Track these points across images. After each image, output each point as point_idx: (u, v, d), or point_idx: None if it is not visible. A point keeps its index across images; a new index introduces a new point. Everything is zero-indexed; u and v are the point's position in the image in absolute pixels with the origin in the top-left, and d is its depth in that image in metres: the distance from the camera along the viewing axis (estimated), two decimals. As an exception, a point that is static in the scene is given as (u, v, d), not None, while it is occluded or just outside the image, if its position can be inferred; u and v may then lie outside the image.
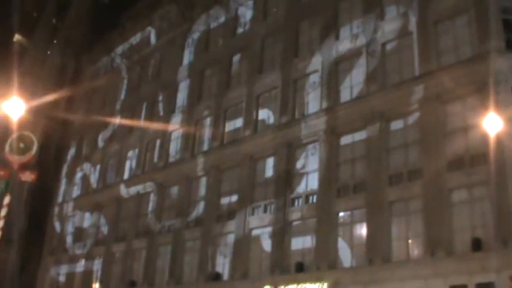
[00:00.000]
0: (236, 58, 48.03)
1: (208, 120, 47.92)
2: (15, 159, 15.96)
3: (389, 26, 36.09)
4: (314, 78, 39.79)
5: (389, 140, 33.85)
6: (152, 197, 50.27)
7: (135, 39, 62.33)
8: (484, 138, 27.18)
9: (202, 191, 45.56)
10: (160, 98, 55.37)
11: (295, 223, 37.12)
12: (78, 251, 58.13)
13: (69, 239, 60.85)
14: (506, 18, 30.69)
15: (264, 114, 42.91)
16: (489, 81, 28.94)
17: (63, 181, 66.50)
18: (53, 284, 59.69)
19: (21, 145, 16.02)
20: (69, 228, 61.77)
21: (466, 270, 27.00)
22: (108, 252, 53.12)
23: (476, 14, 31.54)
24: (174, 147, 51.07)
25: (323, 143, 36.86)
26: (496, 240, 26.62)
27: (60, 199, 65.51)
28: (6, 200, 15.71)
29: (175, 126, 51.13)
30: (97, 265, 54.50)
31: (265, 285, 35.88)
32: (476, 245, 27.36)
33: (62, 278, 59.09)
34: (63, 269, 59.41)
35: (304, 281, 33.83)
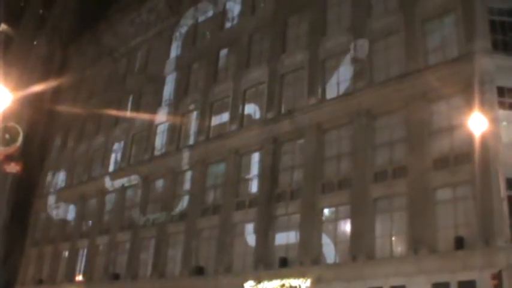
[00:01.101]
0: (223, 52, 47.96)
1: (194, 114, 47.83)
2: (0, 151, 15.84)
3: (377, 24, 36.18)
4: (300, 74, 39.82)
5: (374, 137, 33.97)
6: (137, 190, 50.15)
7: (123, 31, 62.01)
8: (469, 137, 27.37)
9: (187, 185, 45.51)
10: (147, 90, 55.22)
11: (279, 218, 37.18)
12: (61, 243, 57.91)
13: (52, 231, 60.57)
14: (492, 19, 30.90)
15: (251, 109, 42.89)
16: (475, 81, 29.11)
17: (49, 172, 66.13)
18: (35, 277, 59.41)
19: (7, 136, 15.90)
20: (53, 220, 61.47)
21: (449, 268, 27.20)
22: (92, 244, 52.96)
23: (463, 14, 31.70)
24: (159, 140, 50.95)
25: (309, 138, 36.93)
26: (479, 238, 26.85)
27: (44, 191, 65.15)
28: (-10, 191, 15.60)
29: (161, 119, 51.02)
30: (81, 257, 54.37)
31: (248, 279, 35.92)
32: (459, 243, 27.56)
33: (45, 270, 58.83)
34: (47, 262, 59.18)
35: (288, 276, 33.90)
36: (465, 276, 26.45)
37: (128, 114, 55.13)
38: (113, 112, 56.70)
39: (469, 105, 28.49)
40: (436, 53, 32.72)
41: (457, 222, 28.64)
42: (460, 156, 29.19)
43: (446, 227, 28.88)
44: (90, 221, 55.06)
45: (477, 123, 25.74)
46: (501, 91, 29.27)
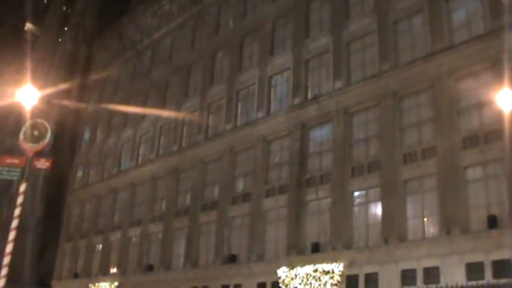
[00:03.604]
0: (247, 40, 47.91)
1: (221, 103, 47.91)
2: (30, 147, 16.05)
3: (401, 3, 35.82)
4: (325, 58, 39.66)
5: (402, 119, 33.72)
6: (167, 181, 50.45)
7: (146, 23, 62.30)
8: (498, 114, 26.89)
9: (217, 174, 45.64)
10: (172, 81, 55.45)
11: (310, 204, 37.17)
12: (94, 237, 58.63)
13: (85, 225, 61.35)
14: (519, -7, 30.36)
15: (277, 95, 42.87)
16: (503, 57, 28.69)
17: (79, 167, 66.95)
18: (71, 271, 60.26)
19: (36, 133, 16.09)
20: (86, 215, 62.27)
21: (482, 248, 26.95)
22: (125, 236, 53.51)
23: (488, -11, 31.24)
24: (187, 130, 51.17)
25: (336, 123, 36.78)
26: (512, 217, 26.55)
27: (76, 185, 65.98)
28: (22, 188, 15.82)
29: (188, 110, 51.18)
30: (114, 250, 54.96)
31: (281, 266, 36.02)
32: (492, 222, 27.25)
33: (79, 264, 59.63)
34: (81, 256, 59.97)
35: (320, 261, 33.92)
36: (499, 255, 26.18)
37: (155, 106, 55.37)
38: (140, 105, 57.10)
39: (497, 81, 28.04)
40: (461, 31, 32.30)
41: (489, 201, 28.34)
42: (490, 134, 28.85)
43: (478, 206, 28.62)
44: (122, 214, 55.58)
45: (506, 99, 25.32)
46: (530, 66, 28.81)
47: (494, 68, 29.17)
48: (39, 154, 16.23)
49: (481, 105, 29.91)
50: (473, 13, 32.24)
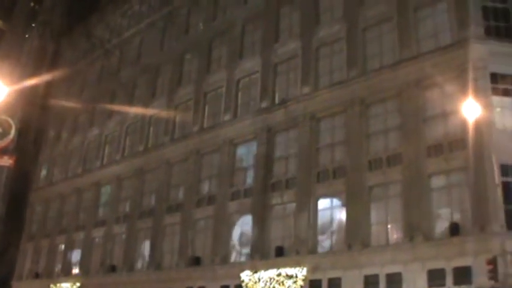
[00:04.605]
0: (216, 43, 47.82)
1: (188, 105, 47.73)
2: (-8, 145, 15.79)
3: (370, 12, 36.13)
4: (294, 63, 39.78)
5: (369, 125, 33.96)
6: (132, 181, 50.10)
7: (115, 23, 61.80)
8: (463, 124, 27.46)
9: (182, 175, 45.45)
10: (140, 82, 55.09)
11: (275, 208, 37.21)
12: (58, 237, 57.91)
13: (49, 225, 60.58)
14: (485, 5, 30.89)
15: (244, 98, 42.85)
16: (468, 68, 29.12)
17: (43, 166, 66.08)
18: (32, 271, 59.41)
19: (-1, 129, 15.87)
20: (49, 214, 61.47)
21: (444, 255, 27.29)
22: (88, 237, 52.96)
23: (455, 0, 31.67)
24: (153, 131, 50.88)
25: (303, 127, 36.91)
26: (474, 225, 26.96)
27: (39, 184, 65.11)
28: (-17, 185, 15.57)
29: (155, 111, 50.88)
30: (77, 250, 54.36)
31: (245, 269, 36.00)
32: (454, 229, 27.63)
33: (41, 264, 58.85)
34: (43, 255, 59.19)
35: (284, 265, 33.97)
36: (460, 262, 26.58)
37: (122, 106, 54.96)
38: (107, 104, 56.63)
39: (462, 91, 28.50)
40: (429, 40, 32.67)
41: (452, 209, 28.73)
42: (454, 143, 29.23)
43: (441, 214, 29.00)
44: (86, 214, 55.02)
45: (471, 109, 25.79)
46: (494, 77, 29.29)
47: (460, 78, 29.57)
48: (2, 151, 16.00)
49: (446, 115, 30.30)
50: (440, 23, 32.64)
